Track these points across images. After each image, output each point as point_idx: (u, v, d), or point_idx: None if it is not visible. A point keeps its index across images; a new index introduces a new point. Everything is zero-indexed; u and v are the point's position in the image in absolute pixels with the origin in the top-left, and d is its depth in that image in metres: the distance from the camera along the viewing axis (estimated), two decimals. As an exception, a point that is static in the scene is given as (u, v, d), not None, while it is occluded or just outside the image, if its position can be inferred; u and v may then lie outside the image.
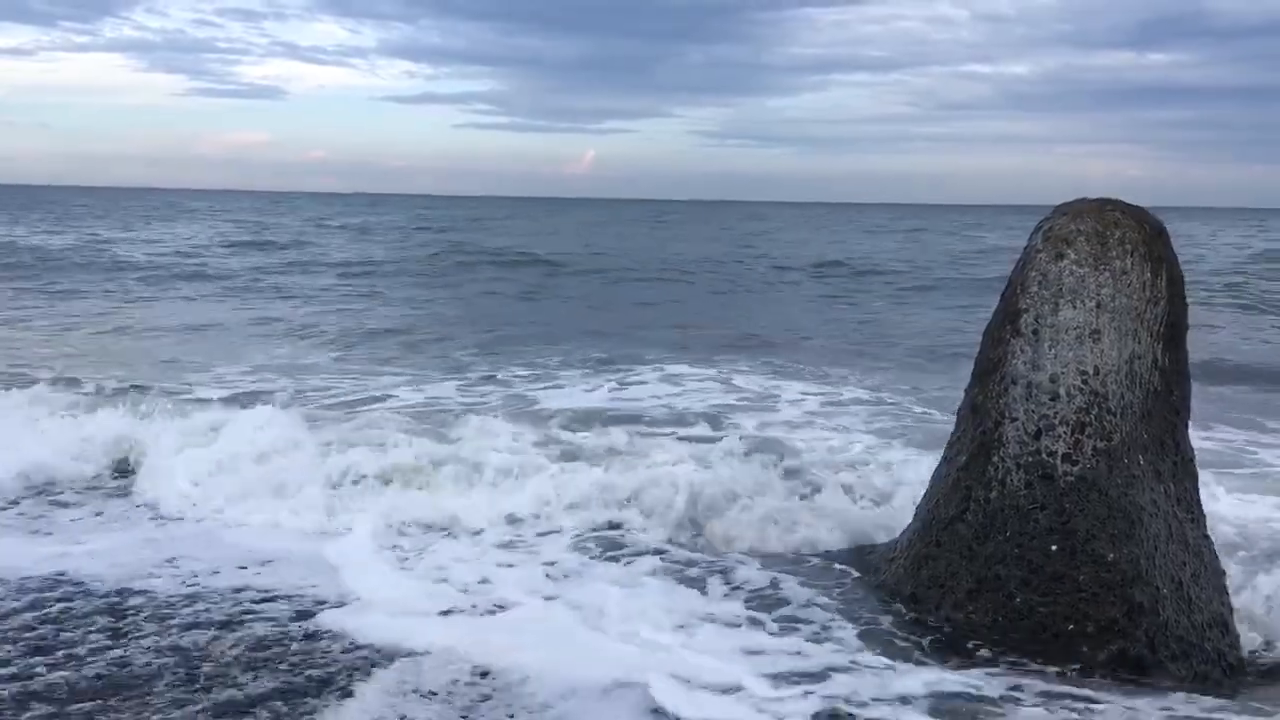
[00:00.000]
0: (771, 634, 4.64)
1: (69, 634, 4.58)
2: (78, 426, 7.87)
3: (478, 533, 6.09)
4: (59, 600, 4.97)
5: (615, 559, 5.63)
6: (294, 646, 4.50)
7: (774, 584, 5.19)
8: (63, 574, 5.29)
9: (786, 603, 4.98)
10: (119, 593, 5.08)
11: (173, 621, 4.74)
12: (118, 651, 4.41)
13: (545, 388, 11.05)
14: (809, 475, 6.87)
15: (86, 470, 7.24)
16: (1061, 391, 4.48)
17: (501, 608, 4.94)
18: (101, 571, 5.34)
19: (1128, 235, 4.56)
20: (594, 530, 6.14)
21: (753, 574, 5.33)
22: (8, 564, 5.39)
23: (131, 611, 4.85)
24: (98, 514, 6.47)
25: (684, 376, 11.76)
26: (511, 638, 4.56)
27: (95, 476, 7.21)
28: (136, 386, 10.00)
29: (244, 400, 9.37)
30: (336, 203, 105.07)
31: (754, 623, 4.76)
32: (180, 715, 3.87)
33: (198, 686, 4.10)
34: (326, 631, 4.67)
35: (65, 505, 6.63)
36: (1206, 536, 4.81)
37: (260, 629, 4.69)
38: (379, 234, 44.06)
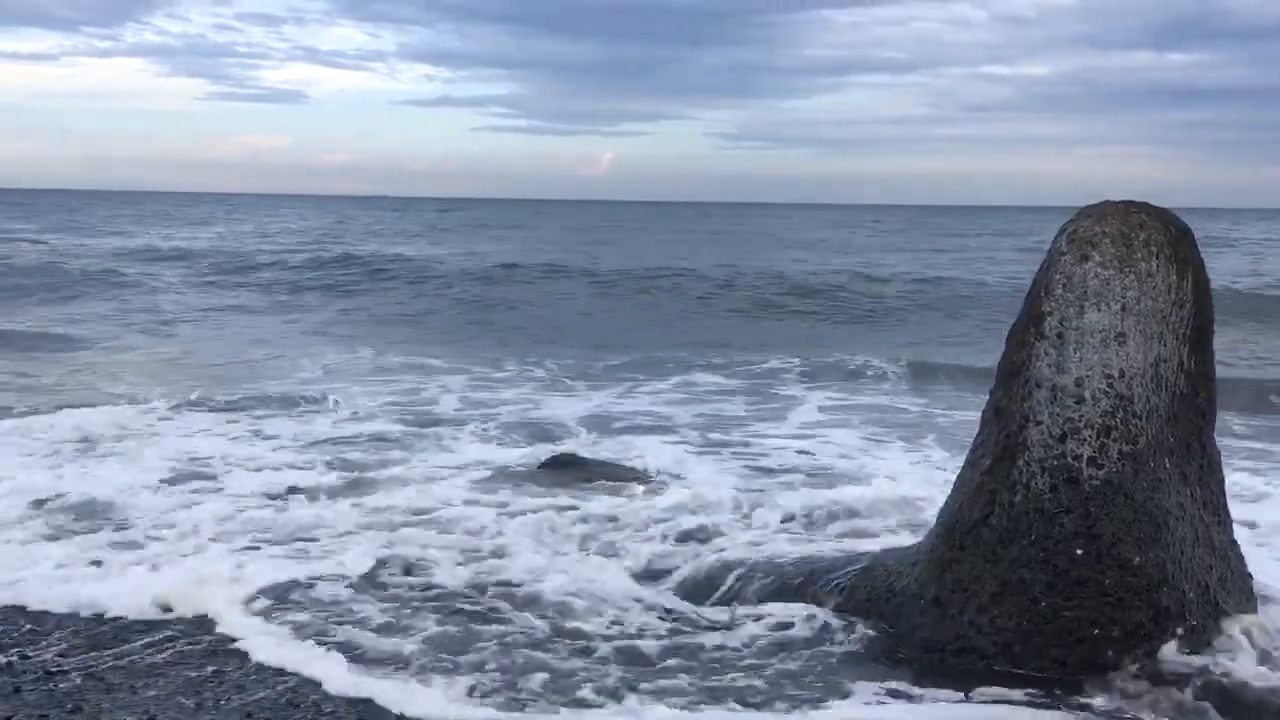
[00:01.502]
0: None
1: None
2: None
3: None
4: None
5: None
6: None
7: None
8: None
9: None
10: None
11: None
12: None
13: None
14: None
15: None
16: (1086, 395, 4.45)
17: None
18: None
19: (1153, 237, 4.53)
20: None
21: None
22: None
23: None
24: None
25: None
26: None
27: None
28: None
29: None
30: (362, 205, 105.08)
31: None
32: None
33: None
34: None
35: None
36: (1234, 540, 4.77)
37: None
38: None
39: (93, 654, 4.53)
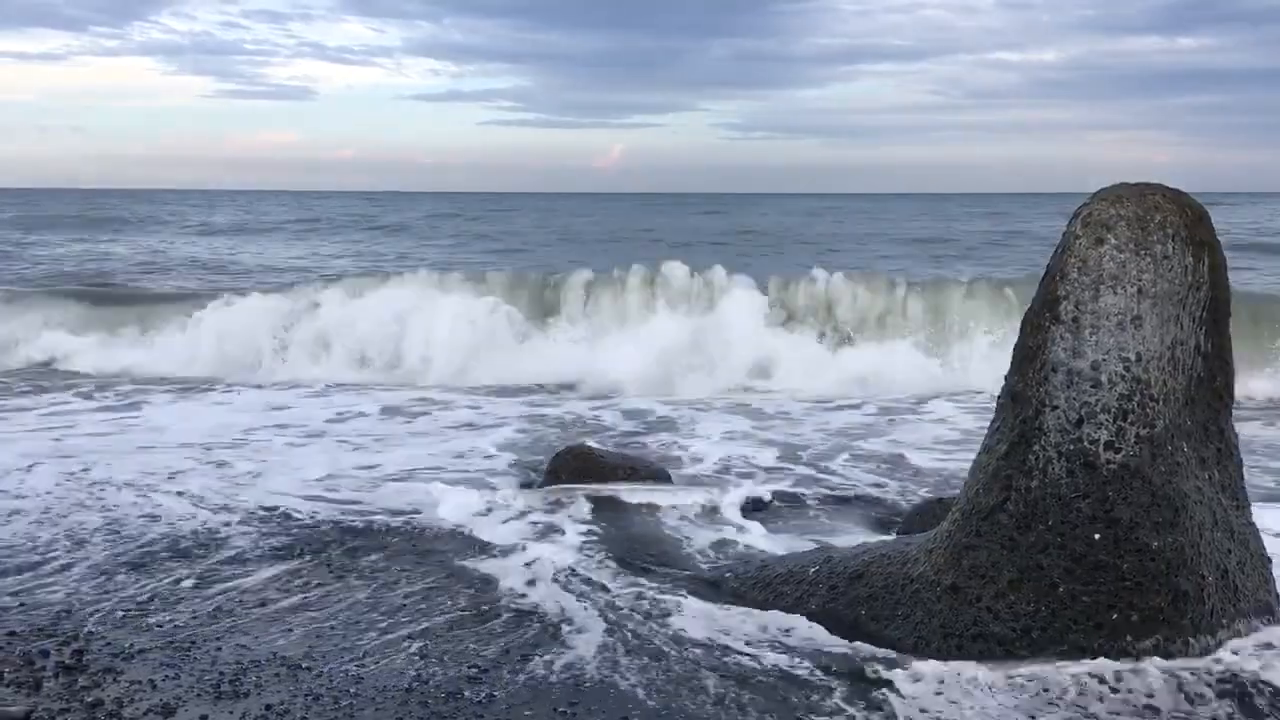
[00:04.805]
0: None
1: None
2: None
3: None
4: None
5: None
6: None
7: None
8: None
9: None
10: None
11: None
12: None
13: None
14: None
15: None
16: (1103, 379, 4.43)
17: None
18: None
19: (1169, 219, 4.51)
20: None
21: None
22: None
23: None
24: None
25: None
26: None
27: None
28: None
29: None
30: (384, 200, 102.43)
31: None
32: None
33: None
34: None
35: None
36: (1251, 524, 4.75)
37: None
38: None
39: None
